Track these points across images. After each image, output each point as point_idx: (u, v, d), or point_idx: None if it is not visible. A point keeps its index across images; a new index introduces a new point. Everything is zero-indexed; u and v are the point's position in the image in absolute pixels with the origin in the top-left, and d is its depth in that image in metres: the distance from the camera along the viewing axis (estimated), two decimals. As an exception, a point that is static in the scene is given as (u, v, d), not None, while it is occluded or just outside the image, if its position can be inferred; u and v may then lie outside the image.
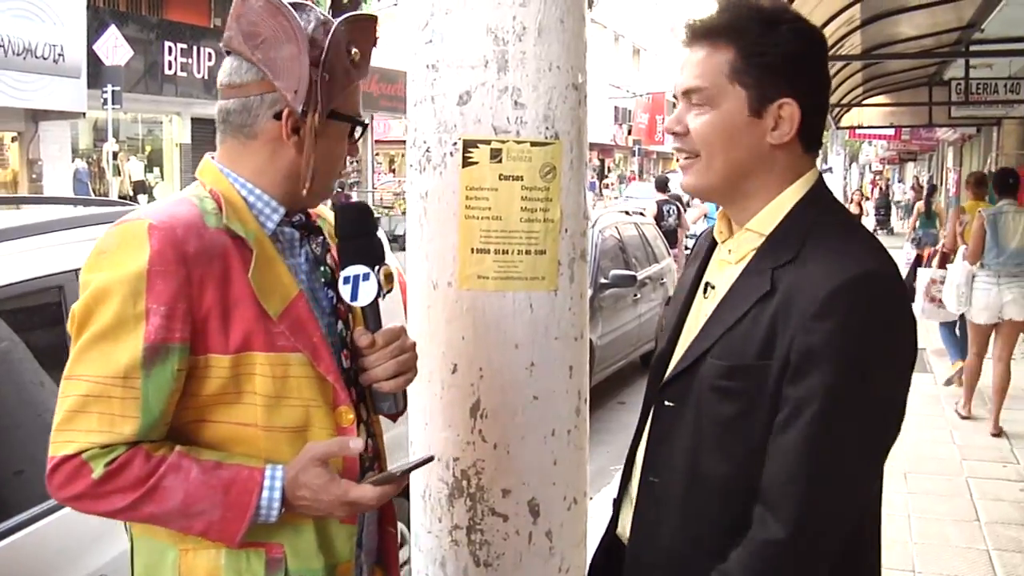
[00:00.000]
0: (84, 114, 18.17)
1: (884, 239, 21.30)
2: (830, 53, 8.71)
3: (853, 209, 14.68)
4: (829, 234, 1.37)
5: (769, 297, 1.35)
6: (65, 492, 1.37)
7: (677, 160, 1.52)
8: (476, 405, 2.01)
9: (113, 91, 17.18)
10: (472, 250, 1.97)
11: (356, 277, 1.57)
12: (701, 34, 1.42)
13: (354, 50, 1.54)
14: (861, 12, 8.02)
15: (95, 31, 17.64)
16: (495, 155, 1.95)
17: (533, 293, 1.98)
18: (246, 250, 1.47)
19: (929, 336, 10.83)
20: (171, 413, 1.42)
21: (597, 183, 37.15)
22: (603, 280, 7.70)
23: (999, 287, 6.53)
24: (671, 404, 1.48)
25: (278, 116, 1.50)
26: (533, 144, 1.96)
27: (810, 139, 1.43)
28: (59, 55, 16.79)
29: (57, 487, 1.37)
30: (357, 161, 26.25)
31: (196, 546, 1.45)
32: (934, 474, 5.88)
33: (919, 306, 7.65)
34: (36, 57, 16.30)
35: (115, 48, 17.55)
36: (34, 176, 17.55)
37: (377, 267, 1.58)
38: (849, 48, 9.49)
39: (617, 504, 1.69)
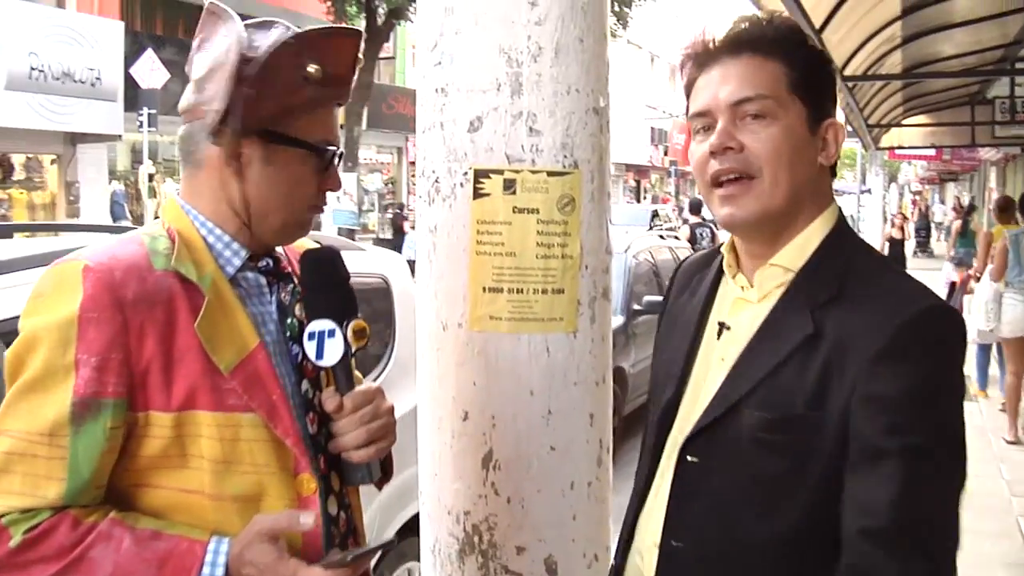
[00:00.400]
0: (121, 137, 18.41)
1: (923, 261, 21.01)
2: (869, 72, 8.57)
3: (895, 233, 14.26)
4: (869, 271, 1.29)
5: (816, 340, 1.24)
6: None
7: (719, 185, 1.33)
8: (488, 455, 1.86)
9: (149, 114, 17.36)
10: (484, 289, 1.83)
11: (322, 333, 1.41)
12: (748, 45, 1.31)
13: (312, 67, 1.37)
14: (902, 30, 7.84)
15: (132, 55, 17.88)
16: (508, 186, 1.81)
17: (550, 335, 1.83)
18: (198, 295, 1.32)
19: (973, 363, 10.56)
20: (105, 475, 1.28)
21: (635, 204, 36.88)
22: (636, 306, 7.54)
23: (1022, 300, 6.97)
24: (695, 460, 1.35)
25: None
26: (550, 174, 1.82)
27: (834, 164, 1.37)
28: (97, 79, 17.05)
29: None
30: (392, 183, 26.31)
31: None
32: (981, 512, 5.62)
33: None
34: (74, 81, 16.56)
35: (152, 71, 17.74)
36: (71, 198, 17.77)
37: (346, 322, 1.41)
38: (889, 67, 9.30)
39: (617, 568, 1.54)
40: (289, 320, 1.45)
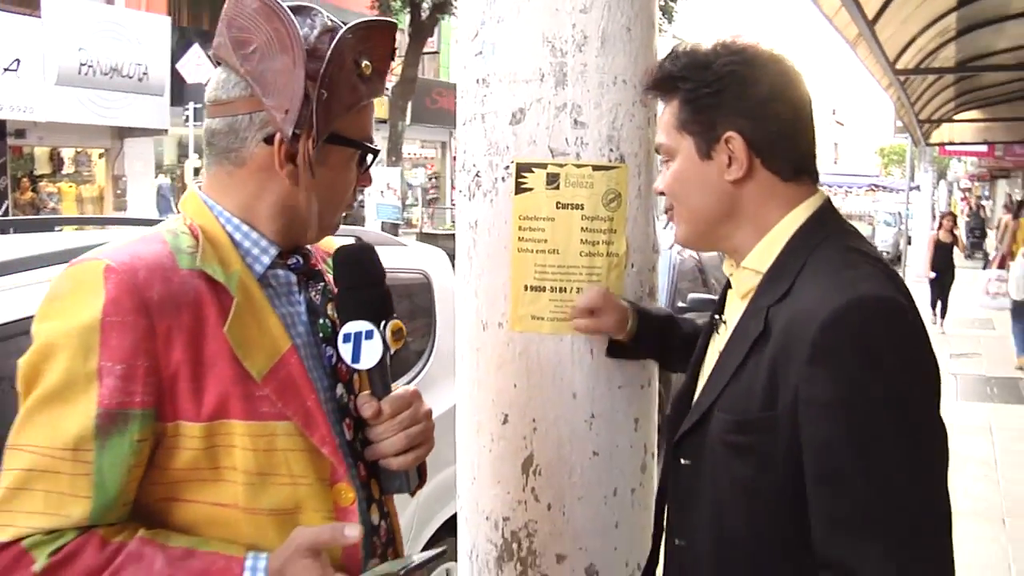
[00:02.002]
0: (167, 131, 18.70)
1: (978, 264, 20.20)
2: (922, 66, 8.39)
3: (943, 237, 13.24)
4: (824, 261, 1.31)
5: (764, 340, 1.29)
6: None
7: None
8: (529, 460, 1.81)
9: (195, 108, 17.60)
10: (526, 287, 1.79)
11: (358, 335, 1.34)
12: (654, 89, 1.45)
13: (364, 62, 1.31)
14: (956, 22, 7.67)
15: (179, 50, 18.14)
16: (552, 180, 1.76)
17: (594, 336, 1.77)
18: (226, 296, 1.25)
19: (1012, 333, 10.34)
20: (132, 491, 1.21)
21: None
22: (681, 304, 7.45)
23: None
24: (687, 462, 1.42)
25: (269, 140, 1.29)
26: (595, 168, 1.77)
27: (788, 166, 1.37)
28: (144, 74, 17.33)
29: None
30: (436, 177, 26.43)
31: None
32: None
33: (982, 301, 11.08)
34: (122, 76, 16.85)
35: (198, 67, 17.97)
36: (119, 192, 18.10)
37: (384, 323, 1.34)
38: (943, 61, 9.13)
39: (652, 567, 1.62)
40: (321, 321, 1.39)
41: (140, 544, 1.17)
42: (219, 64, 1.33)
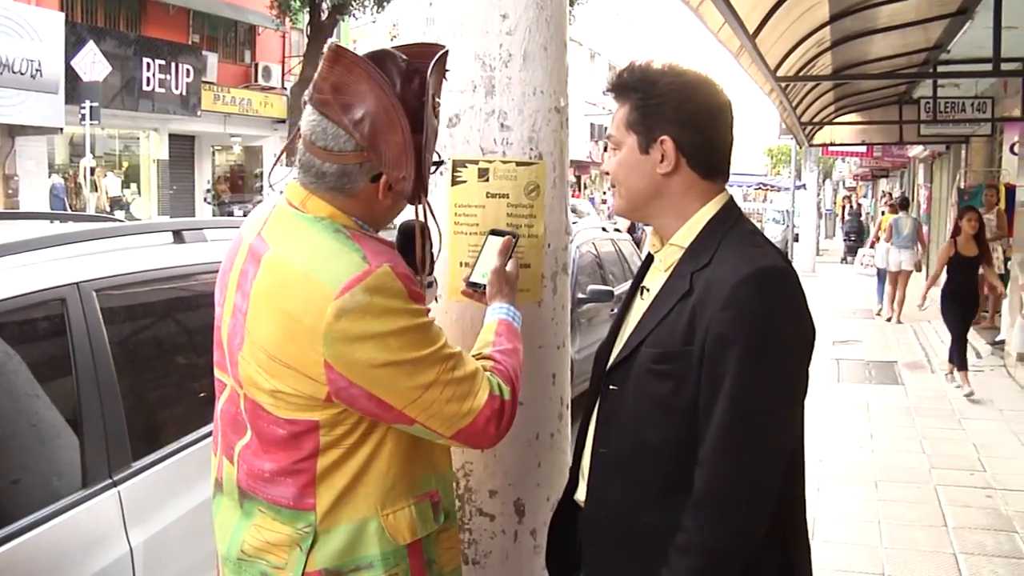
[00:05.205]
0: (61, 130, 18.14)
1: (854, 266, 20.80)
2: (801, 73, 8.93)
3: (964, 247, 9.22)
4: (735, 242, 1.67)
5: (689, 295, 1.63)
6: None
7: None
8: (464, 410, 2.10)
9: (91, 107, 17.16)
10: (460, 264, 2.08)
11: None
12: (612, 92, 1.76)
13: (438, 100, 1.67)
14: (831, 34, 8.19)
15: (73, 47, 17.63)
16: (483, 174, 2.07)
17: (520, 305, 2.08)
18: None
19: (901, 349, 11.06)
20: None
21: (596, 199, 37.27)
22: (581, 295, 7.79)
23: (898, 251, 13.56)
24: (615, 388, 1.74)
25: (375, 178, 1.63)
26: (518, 164, 2.08)
27: (706, 168, 1.72)
28: (37, 70, 16.78)
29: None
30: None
31: (393, 509, 1.64)
32: (904, 482, 6.04)
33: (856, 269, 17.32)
34: (13, 72, 16.29)
35: (93, 64, 17.54)
36: (10, 191, 17.48)
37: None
38: (820, 68, 9.65)
39: (573, 472, 1.91)
40: None
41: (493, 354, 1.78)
42: (323, 116, 1.61)
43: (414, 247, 1.76)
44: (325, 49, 1.62)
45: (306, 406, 1.58)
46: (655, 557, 1.61)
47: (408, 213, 1.77)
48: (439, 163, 1.79)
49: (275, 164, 1.83)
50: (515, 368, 1.77)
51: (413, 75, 1.62)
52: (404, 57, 1.63)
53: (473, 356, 1.76)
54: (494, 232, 1.99)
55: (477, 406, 1.63)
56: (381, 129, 1.58)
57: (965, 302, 8.85)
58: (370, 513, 1.63)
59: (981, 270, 9.17)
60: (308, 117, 1.63)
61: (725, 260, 1.62)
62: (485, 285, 1.92)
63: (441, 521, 1.73)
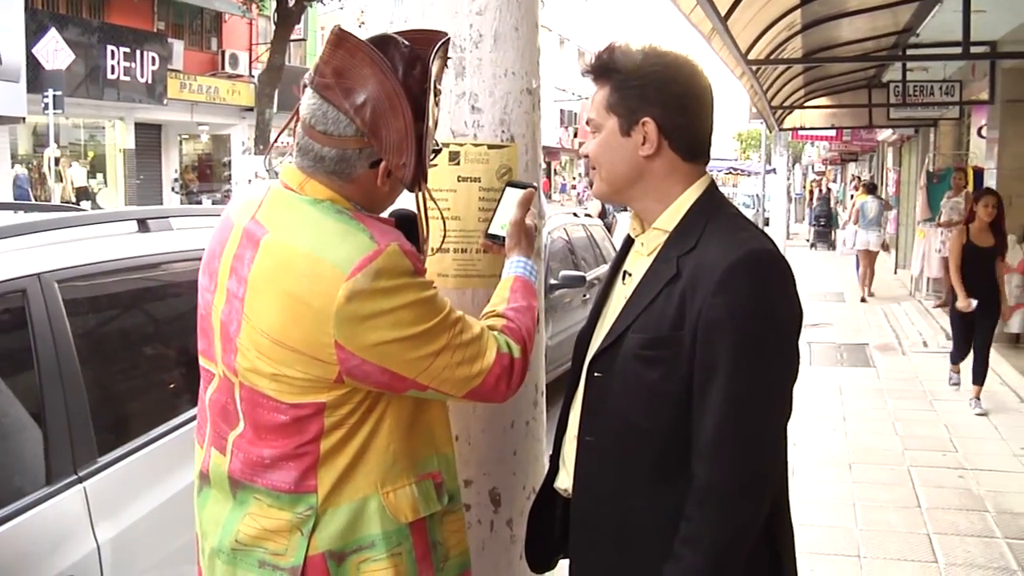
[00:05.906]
0: (24, 119, 17.86)
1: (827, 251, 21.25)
2: (772, 56, 8.94)
3: (977, 236, 8.39)
4: (721, 226, 1.64)
5: (676, 279, 1.61)
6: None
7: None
8: (438, 399, 2.07)
9: (54, 96, 16.88)
10: (432, 250, 2.03)
11: None
12: (592, 74, 1.73)
13: (439, 87, 1.64)
14: (801, 17, 8.20)
15: (34, 34, 17.34)
16: (454, 158, 2.03)
17: (492, 290, 2.04)
18: None
19: (872, 332, 11.15)
20: None
21: (567, 184, 37.22)
22: (552, 281, 7.78)
23: (865, 232, 14.93)
24: (600, 375, 1.70)
25: (374, 164, 1.60)
26: (490, 147, 2.04)
27: (688, 150, 1.69)
28: (-3, 59, 16.47)
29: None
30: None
31: (393, 487, 1.63)
32: (877, 464, 6.08)
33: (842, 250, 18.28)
34: (-27, 61, 15.98)
35: (55, 52, 17.27)
36: (-28, 183, 17.18)
37: None
38: (791, 52, 9.67)
39: (554, 460, 1.88)
40: None
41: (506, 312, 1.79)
42: (323, 100, 1.59)
43: (407, 235, 1.71)
44: (329, 32, 1.60)
45: (312, 388, 1.57)
46: (645, 542, 1.60)
47: (401, 201, 1.76)
48: (438, 150, 1.77)
49: (268, 151, 1.80)
50: (528, 327, 1.78)
51: (415, 61, 1.60)
52: (406, 43, 1.60)
53: (488, 312, 1.80)
54: (512, 184, 1.97)
55: (487, 366, 1.66)
56: (383, 115, 1.56)
57: (980, 303, 7.32)
58: (370, 491, 1.62)
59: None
60: (308, 100, 1.61)
61: (713, 244, 1.60)
62: (504, 237, 1.92)
63: (445, 502, 1.72)
